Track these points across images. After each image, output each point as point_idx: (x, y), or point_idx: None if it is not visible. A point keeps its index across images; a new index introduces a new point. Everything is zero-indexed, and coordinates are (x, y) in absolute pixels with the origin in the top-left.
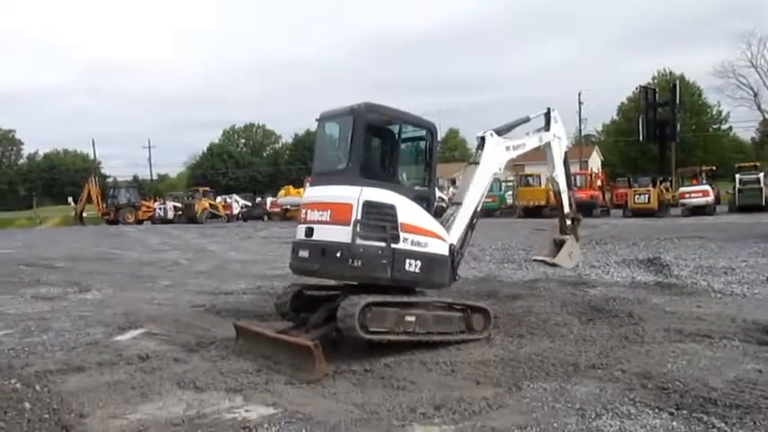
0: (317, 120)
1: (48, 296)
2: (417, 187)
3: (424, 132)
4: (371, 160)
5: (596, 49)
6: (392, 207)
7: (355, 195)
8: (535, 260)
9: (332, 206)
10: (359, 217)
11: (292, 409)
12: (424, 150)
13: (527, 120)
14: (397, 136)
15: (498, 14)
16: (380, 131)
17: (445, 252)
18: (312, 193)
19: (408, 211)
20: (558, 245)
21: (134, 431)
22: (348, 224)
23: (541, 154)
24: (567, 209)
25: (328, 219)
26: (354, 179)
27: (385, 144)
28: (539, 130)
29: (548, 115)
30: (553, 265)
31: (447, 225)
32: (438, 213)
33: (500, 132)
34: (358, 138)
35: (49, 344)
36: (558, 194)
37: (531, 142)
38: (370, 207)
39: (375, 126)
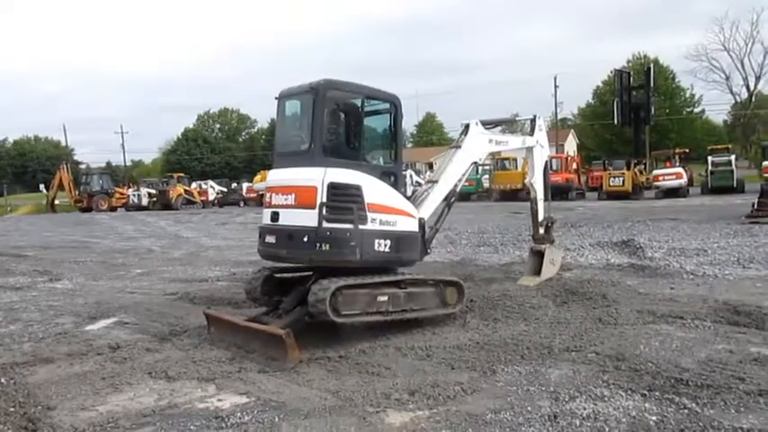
0: (276, 98)
1: (16, 286)
2: (384, 163)
3: (387, 106)
4: (335, 139)
5: (573, 33)
6: (358, 187)
7: (319, 177)
8: (522, 285)
9: (296, 189)
10: (324, 200)
11: (265, 397)
12: (388, 125)
13: (514, 120)
14: (359, 112)
15: None
16: (342, 108)
17: (415, 228)
18: (276, 176)
19: (375, 191)
20: (537, 254)
21: (103, 423)
22: (313, 207)
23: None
24: (541, 216)
25: (293, 202)
26: (318, 160)
27: (348, 121)
28: (523, 134)
29: (533, 121)
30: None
31: (419, 200)
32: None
33: (486, 125)
34: (319, 116)
35: (16, 335)
36: (533, 201)
37: (514, 142)
38: (335, 189)
39: (337, 103)
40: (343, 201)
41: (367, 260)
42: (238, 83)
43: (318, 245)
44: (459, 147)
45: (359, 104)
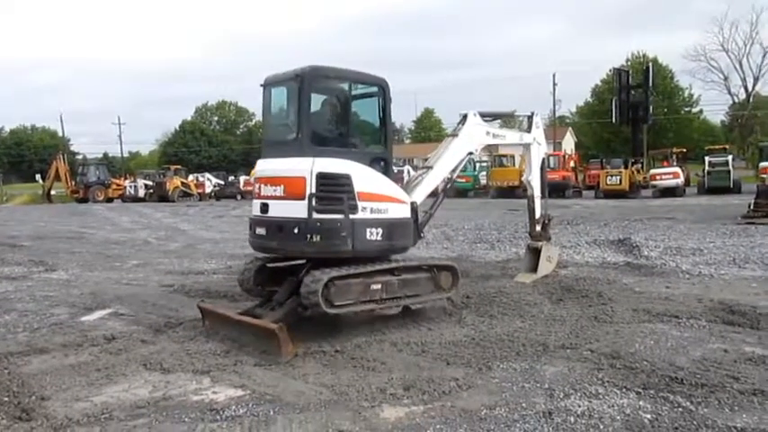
0: (261, 85)
1: (11, 276)
2: (373, 149)
3: (375, 89)
4: (322, 126)
5: (573, 31)
6: (347, 177)
7: (308, 168)
8: (518, 282)
9: (285, 180)
10: (313, 190)
11: (261, 390)
12: (377, 109)
13: (512, 114)
14: (347, 97)
15: None
16: (329, 94)
17: (407, 214)
18: (264, 166)
19: (365, 179)
20: (534, 252)
21: (98, 414)
22: (303, 198)
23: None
24: (538, 214)
25: (282, 194)
26: (306, 149)
27: (336, 107)
28: (520, 130)
29: (530, 118)
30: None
31: (412, 185)
32: None
33: (484, 117)
34: (306, 104)
35: (11, 325)
36: (530, 198)
37: (511, 137)
38: (324, 179)
39: (323, 89)
40: (333, 191)
41: (359, 250)
42: (237, 76)
43: (309, 236)
44: (457, 135)
45: (346, 89)
